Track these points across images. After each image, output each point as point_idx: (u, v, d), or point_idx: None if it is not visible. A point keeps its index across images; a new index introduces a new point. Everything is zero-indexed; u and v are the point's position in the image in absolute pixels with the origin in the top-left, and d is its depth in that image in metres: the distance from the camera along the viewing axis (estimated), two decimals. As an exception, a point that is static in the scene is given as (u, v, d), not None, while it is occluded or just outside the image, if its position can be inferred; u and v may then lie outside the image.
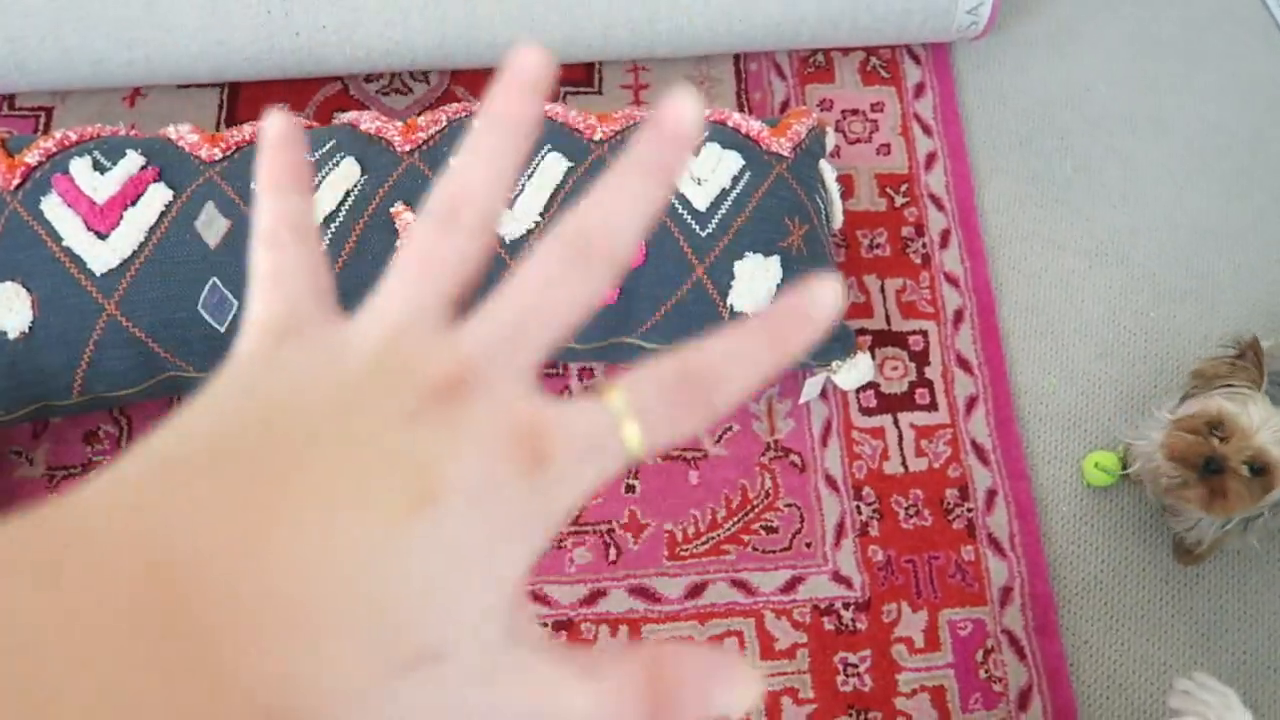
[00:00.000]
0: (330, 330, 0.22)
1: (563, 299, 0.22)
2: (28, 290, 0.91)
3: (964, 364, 1.15)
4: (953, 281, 1.18)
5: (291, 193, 0.24)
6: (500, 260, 0.96)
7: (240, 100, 1.17)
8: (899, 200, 1.22)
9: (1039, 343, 1.18)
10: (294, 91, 1.18)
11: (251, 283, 0.24)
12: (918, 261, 1.19)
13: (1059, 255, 1.22)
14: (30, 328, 0.91)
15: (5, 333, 0.91)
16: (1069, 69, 1.33)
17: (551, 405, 0.21)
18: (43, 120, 1.14)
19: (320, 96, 1.19)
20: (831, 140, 1.14)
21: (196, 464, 0.18)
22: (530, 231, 0.96)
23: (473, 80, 1.21)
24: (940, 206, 1.22)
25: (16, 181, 0.94)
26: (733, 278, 0.98)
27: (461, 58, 1.15)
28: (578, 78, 1.23)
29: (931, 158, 1.24)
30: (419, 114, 1.04)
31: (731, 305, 0.98)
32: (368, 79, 1.20)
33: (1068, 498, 1.12)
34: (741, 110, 1.24)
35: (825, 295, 0.22)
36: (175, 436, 0.19)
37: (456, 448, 0.19)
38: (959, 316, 1.17)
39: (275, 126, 0.25)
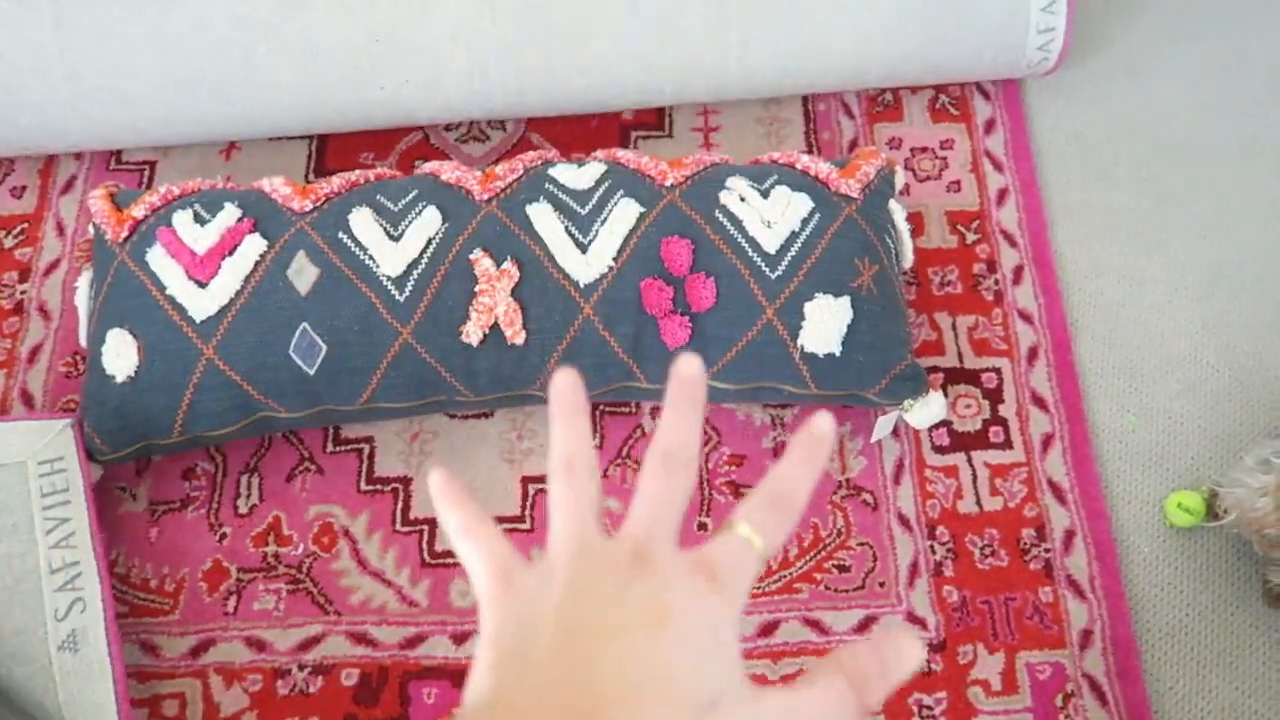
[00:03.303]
0: (607, 545, 0.34)
1: (674, 492, 0.35)
2: (134, 336, 0.97)
3: (1039, 401, 1.14)
4: (1026, 318, 1.17)
5: (578, 419, 0.36)
6: (573, 303, 0.98)
7: (328, 150, 1.23)
8: (970, 237, 1.21)
9: (1117, 380, 1.16)
10: (378, 141, 1.23)
11: (551, 508, 0.35)
12: (990, 298, 1.18)
13: (1138, 290, 1.21)
14: (136, 372, 0.97)
15: (114, 376, 0.97)
16: (1146, 99, 1.31)
17: (705, 546, 0.34)
18: (147, 174, 1.22)
19: (403, 145, 1.24)
20: (901, 179, 1.14)
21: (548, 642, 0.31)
22: (603, 276, 0.99)
23: (548, 126, 1.25)
24: (1013, 243, 1.21)
25: (125, 234, 1.00)
26: (803, 319, 0.99)
27: (538, 105, 1.19)
28: (649, 122, 1.26)
29: (1003, 193, 1.24)
30: (496, 163, 1.08)
31: (802, 346, 0.99)
32: (447, 128, 1.25)
33: (1149, 539, 1.09)
34: (810, 150, 1.25)
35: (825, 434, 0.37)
36: (520, 622, 0.33)
37: (667, 585, 0.32)
38: (1033, 353, 1.16)
39: (566, 383, 0.36)
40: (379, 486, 1.07)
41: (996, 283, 1.19)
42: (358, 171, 1.05)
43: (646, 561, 0.33)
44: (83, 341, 1.03)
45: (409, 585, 1.04)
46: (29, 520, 0.93)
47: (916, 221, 1.21)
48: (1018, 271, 1.20)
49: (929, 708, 1.01)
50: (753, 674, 1.01)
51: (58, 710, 0.87)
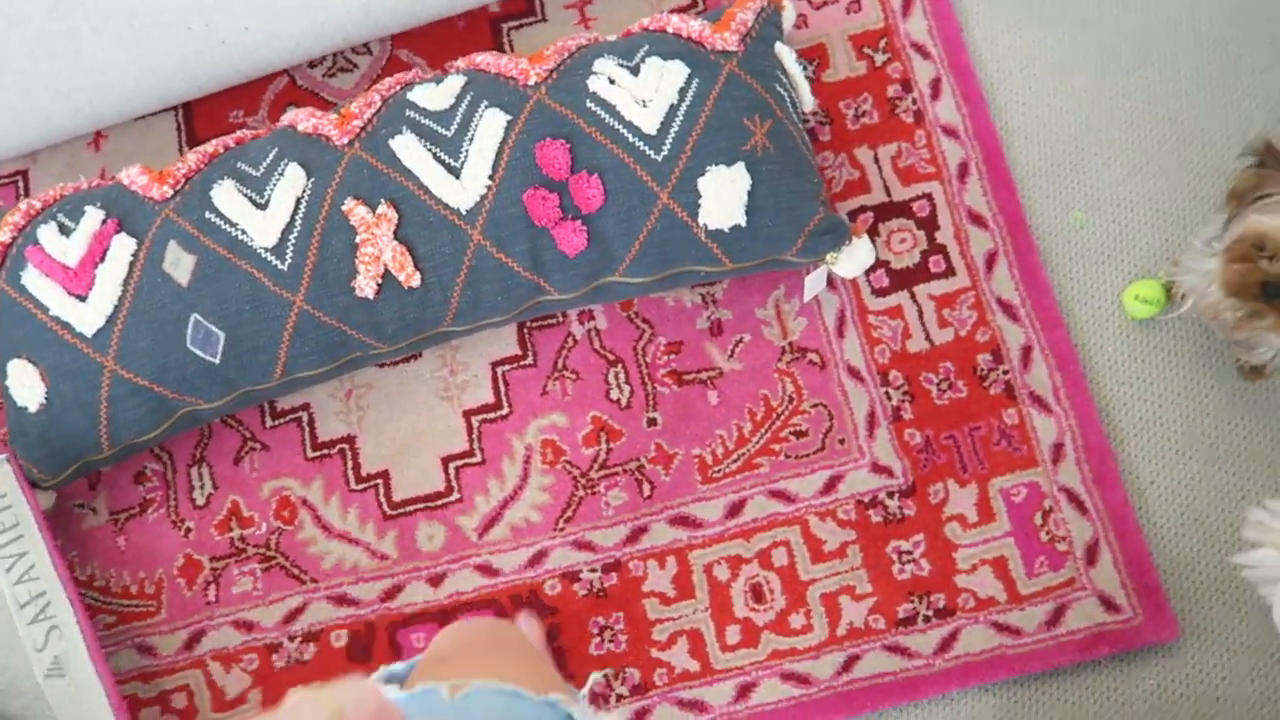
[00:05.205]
0: None
1: None
2: (33, 364, 0.95)
3: (977, 219, 1.08)
4: (951, 133, 1.10)
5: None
6: (461, 232, 0.94)
7: (196, 117, 1.17)
8: (879, 58, 1.13)
9: (1057, 178, 1.10)
10: (243, 96, 1.16)
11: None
12: (909, 120, 1.11)
13: (1066, 76, 1.12)
14: (46, 399, 0.95)
15: (26, 408, 0.96)
16: None
17: None
18: (21, 184, 1.17)
19: (270, 95, 1.17)
20: (791, 14, 1.06)
21: None
22: (483, 198, 0.94)
23: (414, 39, 1.17)
24: (925, 54, 1.13)
25: (-3, 261, 0.97)
26: (699, 195, 0.94)
27: (391, 22, 1.11)
28: (518, 10, 1.17)
29: (908, 2, 1.14)
30: (352, 102, 1.01)
31: (705, 224, 0.94)
32: (311, 65, 1.17)
33: (1111, 337, 1.05)
34: (696, 5, 1.16)
35: None
36: None
37: None
38: (964, 170, 1.09)
39: None
40: (325, 451, 1.07)
41: (914, 101, 1.11)
42: (213, 141, 1.00)
43: None
44: (-7, 376, 1.01)
45: (376, 540, 1.04)
46: (-16, 563, 0.94)
47: (820, 54, 1.13)
48: (935, 85, 1.12)
49: (908, 552, 1.00)
50: (728, 556, 1.02)
51: (58, 735, 0.90)
